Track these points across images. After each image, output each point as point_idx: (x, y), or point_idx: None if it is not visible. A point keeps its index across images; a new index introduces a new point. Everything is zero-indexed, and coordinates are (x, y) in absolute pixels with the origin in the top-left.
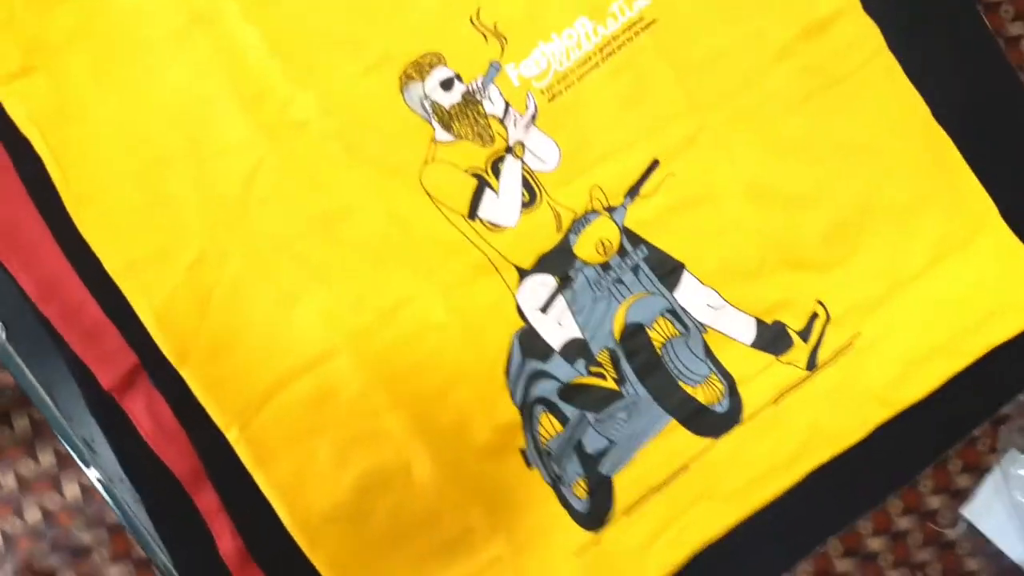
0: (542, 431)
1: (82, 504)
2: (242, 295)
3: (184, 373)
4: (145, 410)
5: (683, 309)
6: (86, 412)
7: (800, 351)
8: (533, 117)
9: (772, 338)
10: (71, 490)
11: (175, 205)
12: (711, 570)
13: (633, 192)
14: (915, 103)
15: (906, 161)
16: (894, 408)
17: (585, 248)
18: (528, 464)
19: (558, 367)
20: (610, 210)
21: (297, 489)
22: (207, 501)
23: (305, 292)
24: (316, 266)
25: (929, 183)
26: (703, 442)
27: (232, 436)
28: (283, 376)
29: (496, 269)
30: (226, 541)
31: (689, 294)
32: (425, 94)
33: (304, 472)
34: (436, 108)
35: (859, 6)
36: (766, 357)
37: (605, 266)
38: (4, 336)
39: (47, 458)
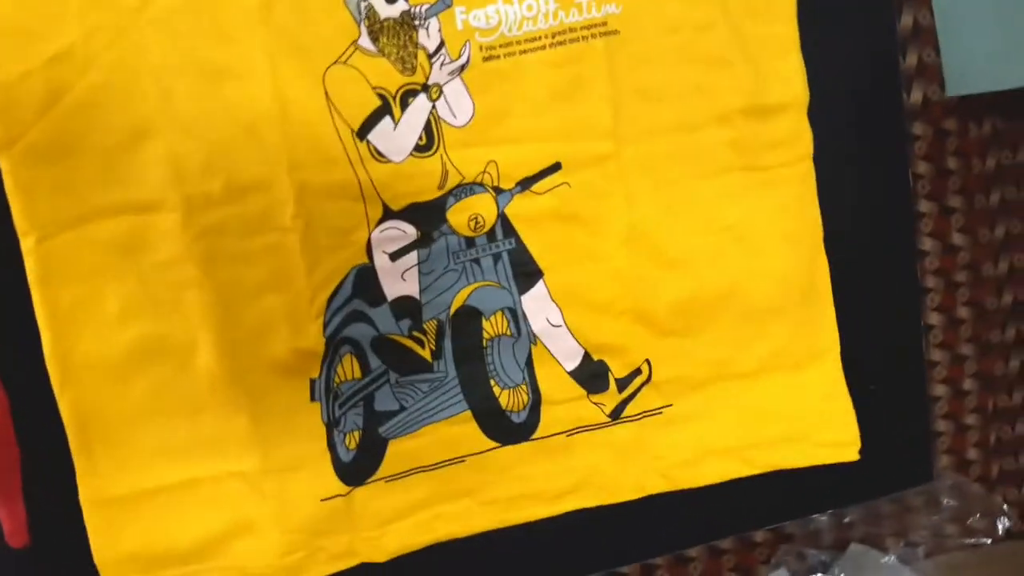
0: (340, 371)
1: None
2: (94, 107)
3: (3, 161)
4: None
5: (523, 314)
6: None
7: (611, 398)
8: (462, 67)
9: (591, 375)
10: None
11: None
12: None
13: (526, 184)
14: (814, 221)
15: (782, 270)
16: (672, 485)
17: (458, 216)
18: (312, 397)
19: (382, 317)
20: (497, 191)
21: (70, 324)
22: None
23: (161, 131)
24: (183, 112)
25: (792, 298)
26: (488, 443)
27: (27, 244)
28: (104, 207)
29: (363, 197)
30: None
31: (535, 303)
32: None
33: (85, 310)
34: (371, 14)
35: (804, 110)
36: (579, 390)
37: (470, 241)
38: None
39: None
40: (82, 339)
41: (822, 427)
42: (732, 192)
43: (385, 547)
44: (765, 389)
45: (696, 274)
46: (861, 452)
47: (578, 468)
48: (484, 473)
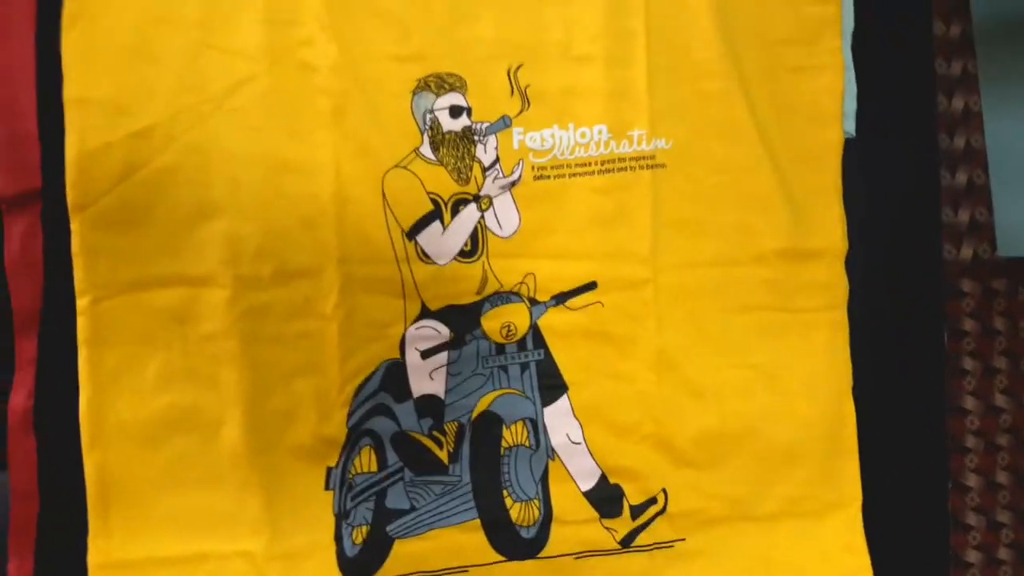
0: (357, 462)
1: None
2: (166, 184)
3: (74, 223)
4: (20, 234)
5: (544, 427)
6: None
7: (624, 524)
8: (513, 183)
9: (606, 498)
10: None
11: (156, 69)
12: None
13: (561, 299)
14: (844, 369)
15: (807, 415)
16: None
17: (492, 323)
18: (327, 485)
19: (405, 414)
20: (532, 302)
21: (110, 385)
22: (26, 350)
23: (223, 214)
24: (246, 198)
25: (816, 445)
26: (493, 556)
27: (82, 304)
28: (160, 277)
29: (404, 295)
30: (20, 397)
31: (557, 417)
32: (432, 108)
33: (126, 373)
34: (435, 125)
35: (842, 258)
36: (591, 512)
37: (500, 348)
38: None
39: None
40: (119, 401)
41: None
42: (763, 330)
43: None
44: (781, 535)
45: (721, 407)
46: None
47: None
48: None
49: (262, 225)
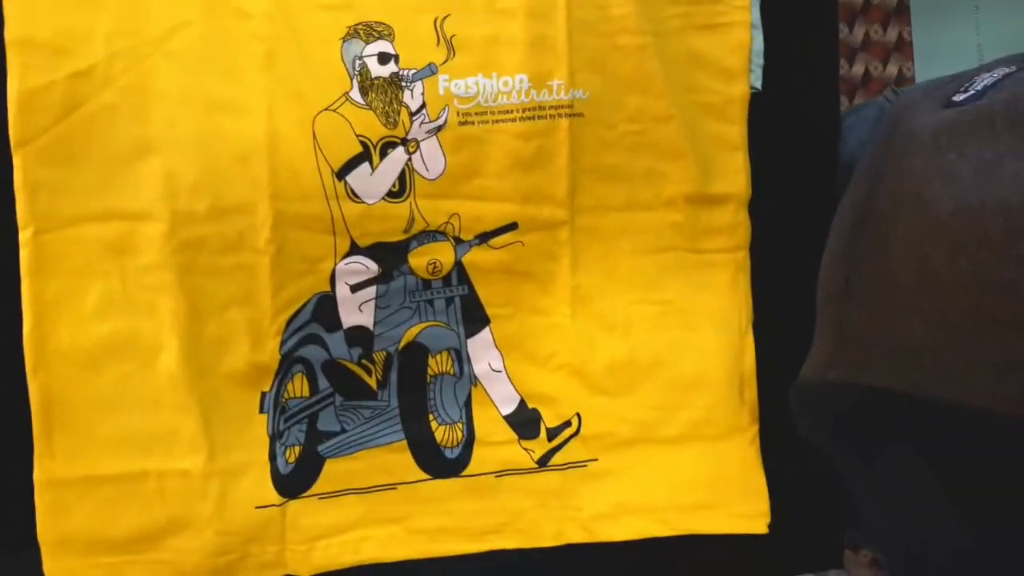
0: (290, 388)
1: None
2: (104, 123)
3: (16, 158)
4: None
5: (468, 356)
6: None
7: (540, 445)
8: (439, 128)
9: (524, 421)
10: None
11: (96, 12)
12: None
13: (484, 237)
14: (746, 305)
15: (711, 346)
16: (590, 537)
17: (419, 259)
18: (261, 409)
19: (336, 343)
20: (457, 240)
21: (52, 312)
22: None
23: (160, 151)
24: (182, 136)
25: (719, 374)
26: (420, 474)
27: (24, 236)
28: (99, 211)
29: (334, 231)
30: None
31: (480, 348)
32: (361, 55)
33: (67, 301)
34: (364, 71)
35: (745, 203)
36: (511, 434)
37: (426, 283)
38: None
39: None
40: (59, 328)
41: (736, 498)
42: (672, 269)
43: (312, 561)
44: (685, 456)
45: (632, 340)
46: (772, 527)
47: (503, 509)
48: (413, 502)
49: (197, 163)
